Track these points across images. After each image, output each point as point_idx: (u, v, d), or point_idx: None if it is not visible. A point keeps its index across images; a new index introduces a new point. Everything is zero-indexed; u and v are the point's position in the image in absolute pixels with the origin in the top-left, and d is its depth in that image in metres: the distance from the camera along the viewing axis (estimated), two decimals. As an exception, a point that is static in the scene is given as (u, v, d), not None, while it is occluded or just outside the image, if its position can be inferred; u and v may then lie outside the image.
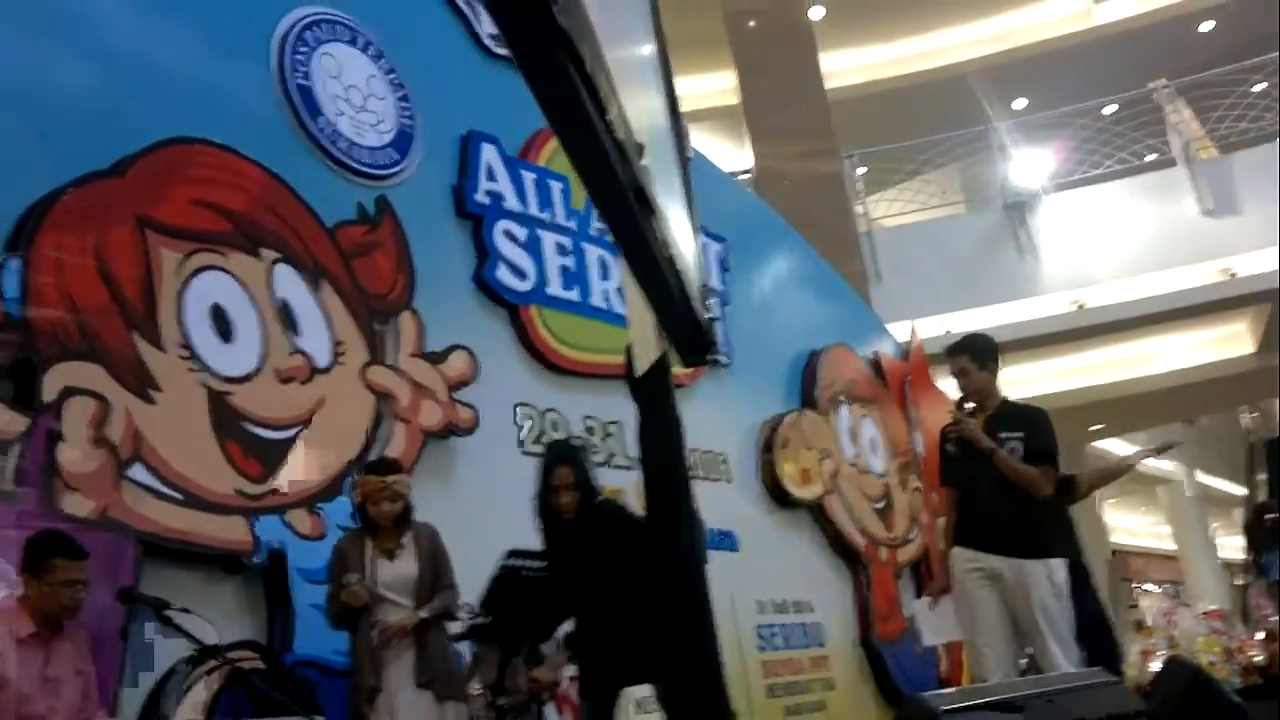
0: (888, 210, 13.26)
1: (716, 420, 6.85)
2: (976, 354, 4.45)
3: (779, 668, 6.62)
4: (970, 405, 4.43)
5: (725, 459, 6.92)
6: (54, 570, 3.06)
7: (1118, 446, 15.93)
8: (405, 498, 4.01)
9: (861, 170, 13.01)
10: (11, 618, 3.04)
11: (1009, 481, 4.18)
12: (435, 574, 4.02)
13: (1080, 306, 11.45)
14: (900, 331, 9.66)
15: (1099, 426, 13.86)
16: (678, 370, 6.56)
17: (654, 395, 1.76)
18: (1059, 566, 4.24)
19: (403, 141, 5.47)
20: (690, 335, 1.70)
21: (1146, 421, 15.20)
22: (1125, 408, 13.37)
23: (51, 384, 3.72)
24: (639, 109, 1.56)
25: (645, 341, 1.76)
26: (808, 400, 7.93)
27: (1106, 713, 2.60)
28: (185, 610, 3.17)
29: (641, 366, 1.78)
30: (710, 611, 1.75)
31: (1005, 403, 4.45)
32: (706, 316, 1.80)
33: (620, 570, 3.67)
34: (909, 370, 9.28)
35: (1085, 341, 12.00)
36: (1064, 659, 4.01)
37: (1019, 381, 11.91)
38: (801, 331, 8.23)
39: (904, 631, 7.90)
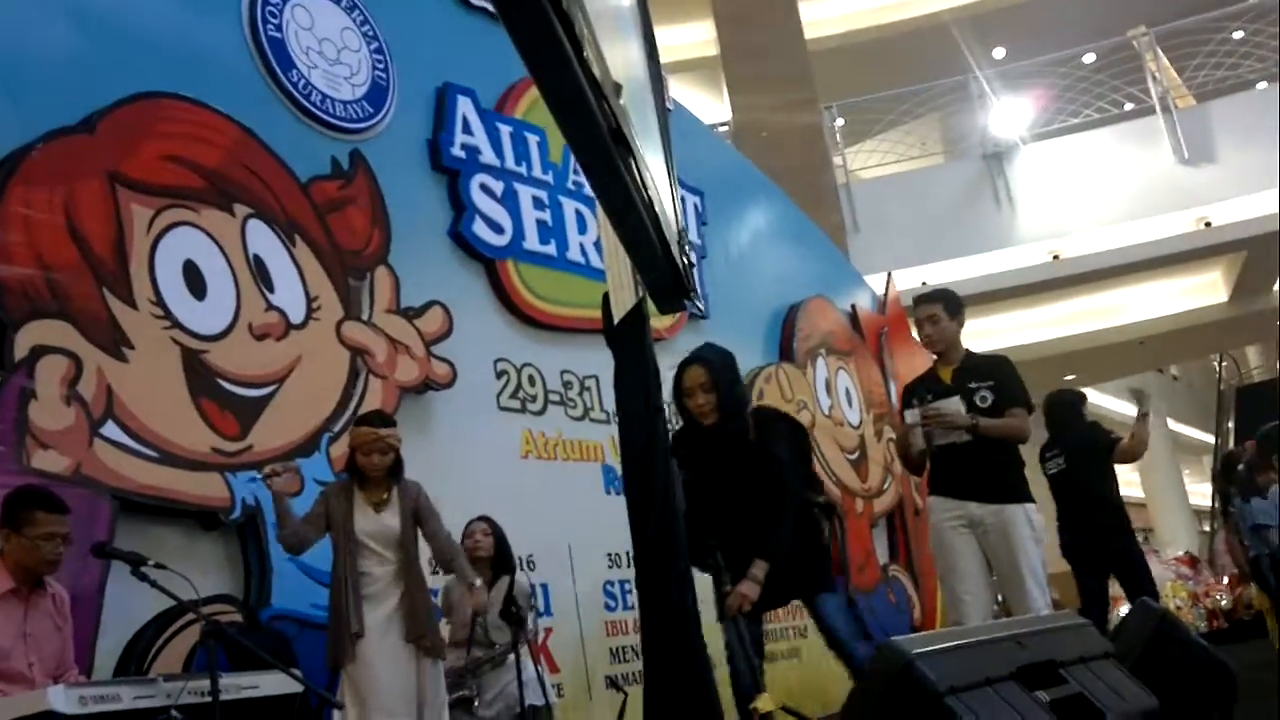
0: (866, 162, 13.24)
1: (695, 374, 6.87)
2: (949, 304, 4.49)
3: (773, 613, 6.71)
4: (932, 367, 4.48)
5: (703, 412, 6.95)
6: (34, 524, 3.06)
7: (1091, 396, 16.09)
8: (397, 450, 4.02)
9: (840, 122, 12.95)
10: (-12, 575, 3.05)
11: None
12: (420, 527, 4.03)
13: (1056, 257, 11.51)
14: (878, 283, 9.69)
15: (1072, 376, 13.98)
16: (656, 324, 6.52)
17: (630, 342, 1.76)
18: (1035, 510, 4.33)
19: (377, 94, 5.41)
20: (668, 280, 1.70)
21: (1120, 371, 15.35)
22: (1099, 357, 13.50)
23: (22, 342, 3.69)
24: (617, 54, 1.56)
25: (622, 288, 1.76)
26: (785, 353, 7.97)
27: (1078, 655, 2.66)
28: (161, 566, 3.18)
29: (618, 313, 1.78)
30: (686, 560, 1.76)
31: (969, 354, 4.49)
32: (684, 261, 1.79)
33: (765, 474, 3.61)
34: (885, 322, 9.34)
35: (1061, 292, 12.09)
36: (1041, 602, 4.11)
37: (994, 332, 12.03)
38: (779, 284, 8.25)
39: (879, 581, 8.02)
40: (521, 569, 4.79)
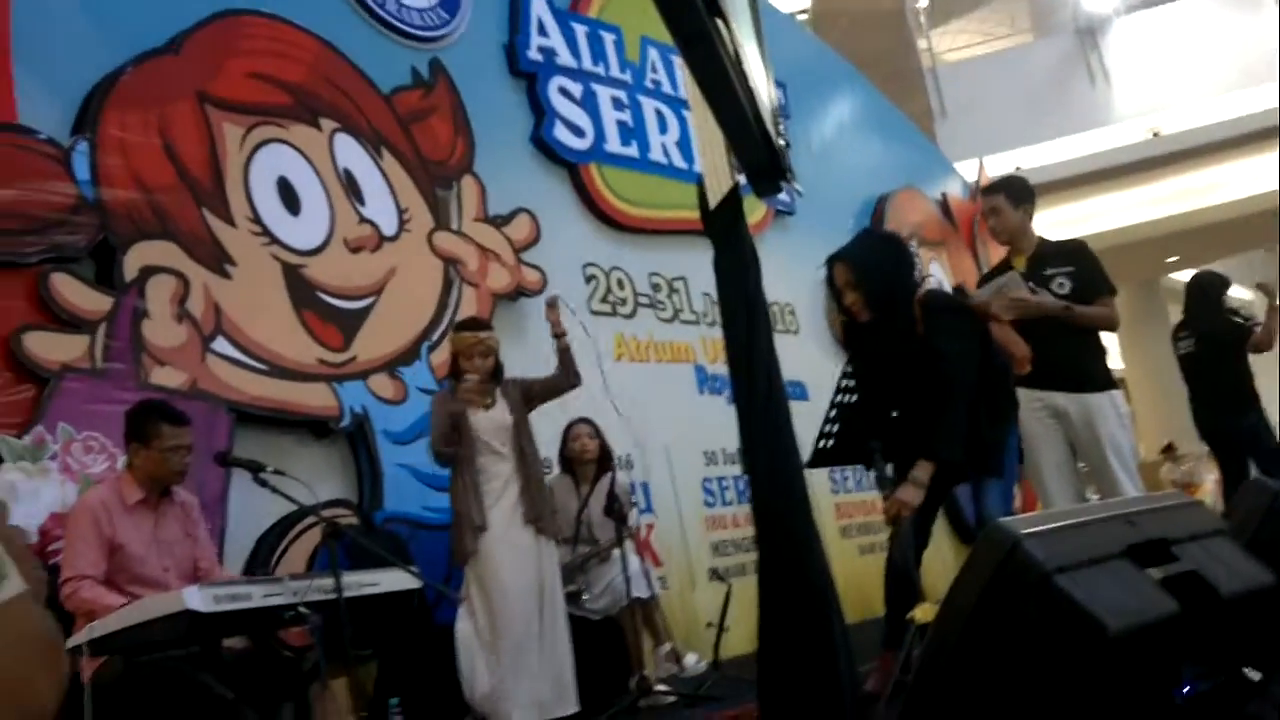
0: (953, 44, 12.76)
1: (783, 271, 6.81)
2: (1013, 193, 4.32)
3: (852, 509, 6.75)
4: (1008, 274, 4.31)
5: (793, 309, 6.92)
6: (160, 437, 3.20)
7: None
8: (496, 353, 4.09)
9: (924, 3, 12.47)
10: (121, 486, 3.21)
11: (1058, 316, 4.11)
12: (535, 400, 4.11)
13: (1156, 134, 11.04)
14: (969, 170, 9.42)
15: (1174, 258, 13.50)
16: (749, 219, 6.44)
17: (727, 227, 1.73)
18: (1120, 397, 4.23)
19: (451, 0, 5.37)
20: (764, 161, 1.66)
21: (1223, 251, 14.77)
22: (1201, 237, 12.99)
23: (131, 264, 3.81)
24: None
25: (717, 172, 1.73)
26: (874, 245, 7.83)
27: (1189, 532, 2.61)
28: (280, 472, 3.31)
29: (714, 198, 1.75)
30: (796, 456, 1.73)
31: (1043, 242, 4.34)
32: (781, 141, 1.75)
33: (930, 370, 3.41)
34: (978, 209, 9.09)
35: (1161, 170, 11.60)
36: (1131, 490, 4.03)
37: (1092, 215, 11.63)
38: (867, 176, 8.07)
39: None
40: (621, 469, 4.87)
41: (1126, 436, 4.17)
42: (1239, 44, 10.85)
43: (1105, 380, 4.20)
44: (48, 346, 3.54)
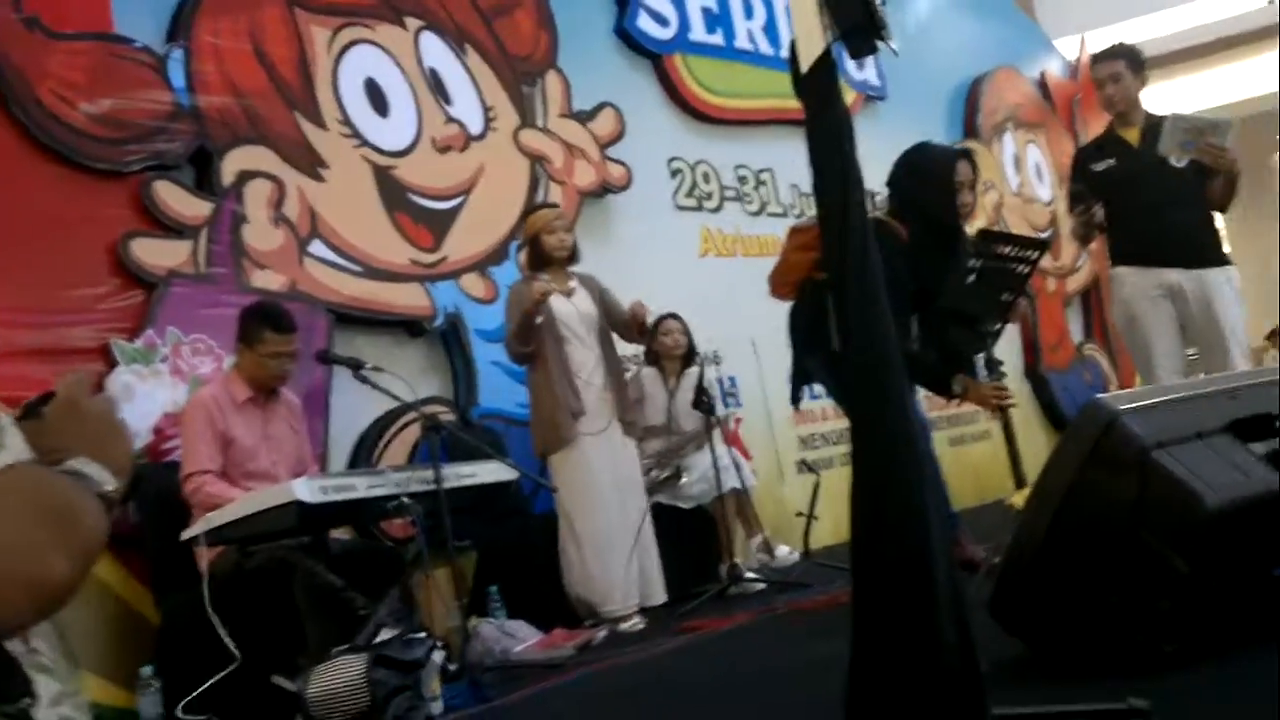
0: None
1: (875, 157, 6.62)
2: (1133, 60, 4.14)
3: (938, 401, 6.67)
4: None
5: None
6: (264, 342, 3.32)
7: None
8: (573, 232, 4.12)
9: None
10: (230, 384, 3.34)
11: (1180, 188, 3.94)
12: (609, 315, 4.11)
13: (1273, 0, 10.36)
14: (1069, 47, 9.01)
15: (1291, 135, 12.80)
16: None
17: (821, 91, 1.68)
18: (1236, 274, 4.08)
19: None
20: (860, 17, 1.61)
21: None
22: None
23: (228, 169, 3.90)
24: None
25: (809, 33, 1.67)
26: (970, 130, 7.60)
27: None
28: (379, 369, 3.41)
29: (807, 61, 1.69)
30: (889, 326, 1.68)
31: (1150, 115, 4.16)
32: None
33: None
34: (1079, 89, 8.72)
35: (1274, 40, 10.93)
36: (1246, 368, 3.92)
37: (1205, 90, 11.06)
38: (961, 56, 7.78)
39: (1072, 360, 7.80)
40: (709, 363, 4.88)
41: (1242, 316, 4.05)
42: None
43: (1222, 256, 4.07)
44: (153, 252, 3.66)
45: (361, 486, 2.96)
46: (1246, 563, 2.18)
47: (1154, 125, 4.03)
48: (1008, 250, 3.50)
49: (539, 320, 3.86)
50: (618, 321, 4.09)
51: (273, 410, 3.40)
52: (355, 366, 3.36)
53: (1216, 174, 3.92)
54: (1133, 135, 4.10)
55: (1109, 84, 4.15)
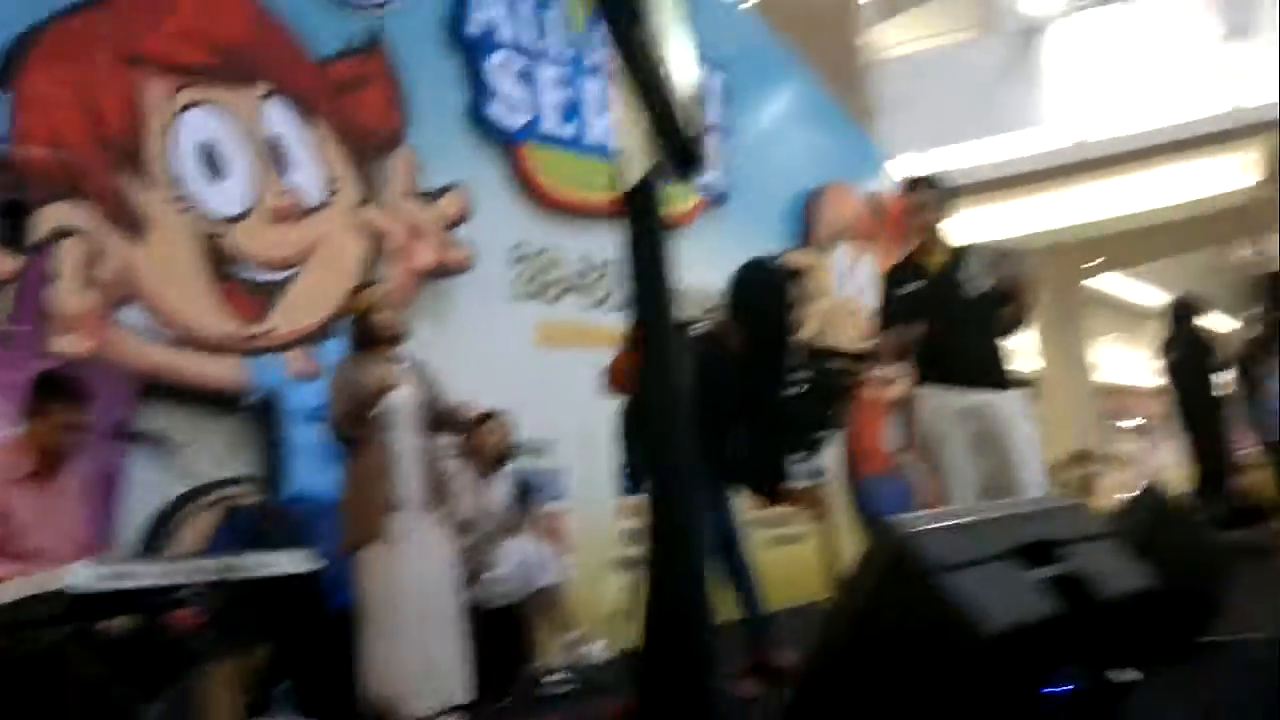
0: (898, 38, 12.86)
1: (714, 259, 6.82)
2: (939, 190, 4.37)
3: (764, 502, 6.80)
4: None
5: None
6: (51, 413, 3.13)
7: (1115, 282, 15.93)
8: (404, 313, 4.06)
9: (869, -4, 12.55)
10: (13, 455, 3.13)
11: (977, 314, 4.15)
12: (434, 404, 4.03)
13: (1086, 139, 11.24)
14: (905, 166, 9.53)
15: (1097, 262, 13.81)
16: (678, 208, 6.38)
17: (641, 211, 1.73)
18: (1024, 396, 4.32)
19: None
20: (680, 147, 1.67)
21: (1148, 256, 15.11)
22: (1126, 242, 13.27)
23: (43, 224, 3.72)
24: None
25: (632, 156, 1.73)
26: (806, 238, 7.91)
27: (1076, 534, 2.69)
28: (180, 446, 3.26)
29: (630, 180, 1.74)
30: (691, 436, 1.73)
31: (952, 243, 4.40)
32: (698, 127, 1.75)
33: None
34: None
35: (1092, 174, 11.83)
36: (1035, 492, 4.12)
37: (1022, 216, 11.86)
38: (802, 166, 8.12)
39: (888, 468, 8.08)
40: (535, 454, 4.86)
41: (1033, 438, 4.26)
42: (1171, 53, 11.10)
43: (1014, 380, 4.29)
44: (-50, 307, 3.44)
45: (146, 574, 2.76)
46: (1021, 687, 2.28)
47: (956, 253, 4.26)
48: (834, 365, 3.67)
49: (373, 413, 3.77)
50: (441, 414, 4.02)
51: (59, 485, 3.18)
52: (155, 443, 3.20)
53: (1010, 301, 4.16)
54: (936, 261, 4.30)
55: (915, 212, 4.36)
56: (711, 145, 7.19)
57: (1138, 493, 3.68)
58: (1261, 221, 14.01)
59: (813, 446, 3.97)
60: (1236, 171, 12.39)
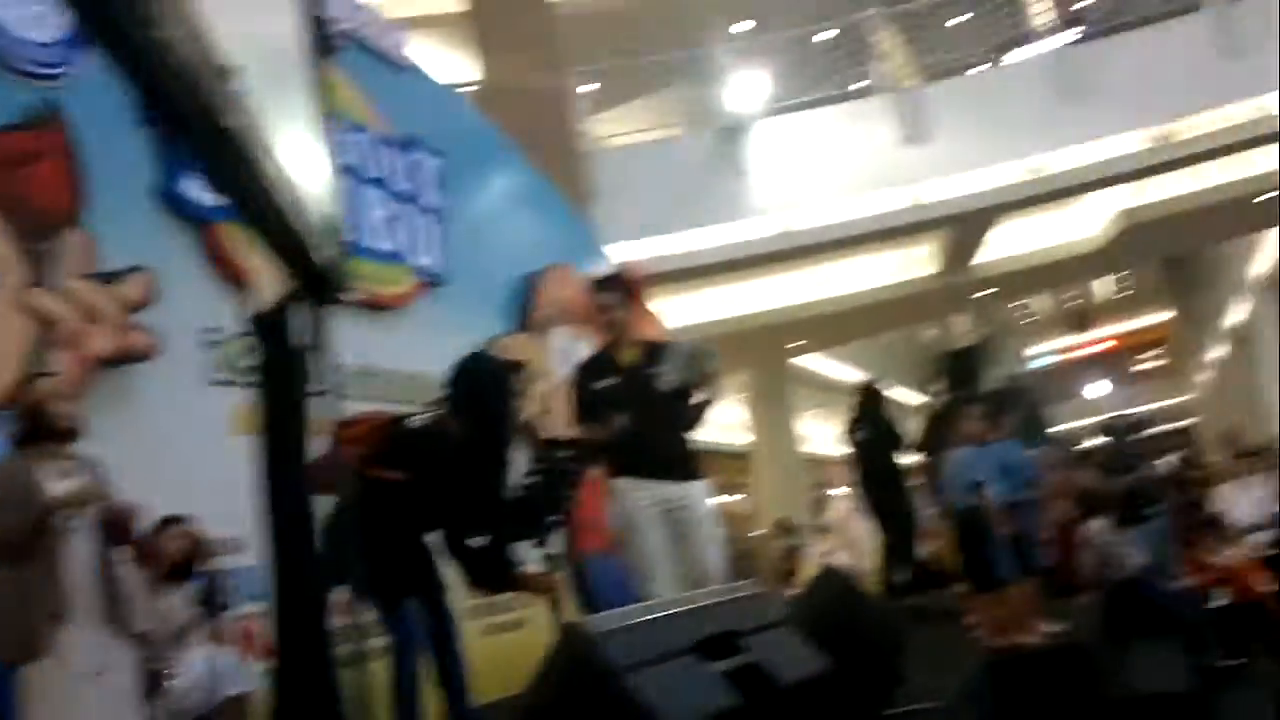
0: (616, 129, 13.38)
1: (432, 342, 6.74)
2: (624, 290, 4.55)
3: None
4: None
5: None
6: None
7: (818, 362, 17.08)
8: (78, 405, 3.74)
9: (593, 87, 13.01)
10: None
11: (666, 408, 4.29)
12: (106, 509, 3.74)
13: (787, 230, 12.04)
14: (620, 252, 9.83)
15: (800, 343, 14.72)
16: (391, 289, 6.30)
17: (272, 334, 1.68)
18: (706, 486, 4.50)
19: (79, 38, 4.95)
20: (313, 274, 1.63)
21: (842, 338, 16.27)
22: (823, 325, 14.26)
23: None
24: (238, 29, 1.46)
25: (264, 279, 1.67)
26: (524, 321, 7.97)
27: (757, 623, 2.80)
28: None
29: (264, 301, 1.69)
30: (314, 560, 1.70)
31: (642, 340, 4.59)
32: (332, 253, 1.71)
33: None
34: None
35: (792, 262, 12.67)
36: (720, 575, 4.28)
37: (727, 301, 12.54)
38: (521, 248, 8.20)
39: (609, 545, 8.18)
40: (231, 551, 4.57)
41: (718, 524, 4.49)
42: (859, 153, 12.13)
43: (699, 470, 4.48)
44: None
45: None
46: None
47: (647, 349, 4.42)
48: (564, 453, 3.73)
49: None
50: (114, 517, 3.72)
51: None
52: None
53: (696, 394, 4.33)
54: (627, 357, 4.43)
55: (606, 312, 4.49)
56: (429, 228, 7.15)
57: (818, 574, 3.90)
58: (942, 307, 15.51)
59: (545, 531, 4.05)
60: (921, 261, 13.66)
